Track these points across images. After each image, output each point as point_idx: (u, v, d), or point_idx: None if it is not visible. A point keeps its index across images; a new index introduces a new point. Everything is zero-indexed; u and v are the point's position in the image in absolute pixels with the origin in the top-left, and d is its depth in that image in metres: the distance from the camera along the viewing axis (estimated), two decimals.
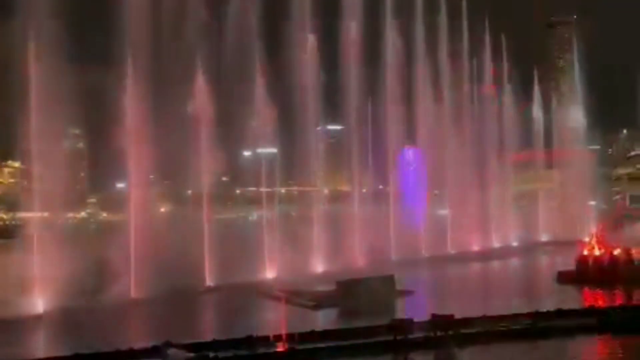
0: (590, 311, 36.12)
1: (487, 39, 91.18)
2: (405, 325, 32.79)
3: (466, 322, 33.80)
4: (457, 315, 33.53)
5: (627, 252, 52.44)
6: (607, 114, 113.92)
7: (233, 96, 59.88)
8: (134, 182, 52.48)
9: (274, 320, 41.20)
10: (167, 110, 52.80)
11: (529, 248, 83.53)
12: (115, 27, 49.97)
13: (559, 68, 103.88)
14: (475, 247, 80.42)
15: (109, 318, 41.22)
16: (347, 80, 70.39)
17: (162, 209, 74.20)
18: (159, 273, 47.00)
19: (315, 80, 66.09)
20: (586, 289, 49.58)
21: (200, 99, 55.97)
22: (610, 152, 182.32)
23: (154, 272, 47.36)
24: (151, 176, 55.44)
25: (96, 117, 52.51)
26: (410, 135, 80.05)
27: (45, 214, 47.80)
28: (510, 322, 34.54)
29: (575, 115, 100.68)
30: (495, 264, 70.81)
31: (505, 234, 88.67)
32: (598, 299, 45.41)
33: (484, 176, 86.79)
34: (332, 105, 71.00)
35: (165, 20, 53.90)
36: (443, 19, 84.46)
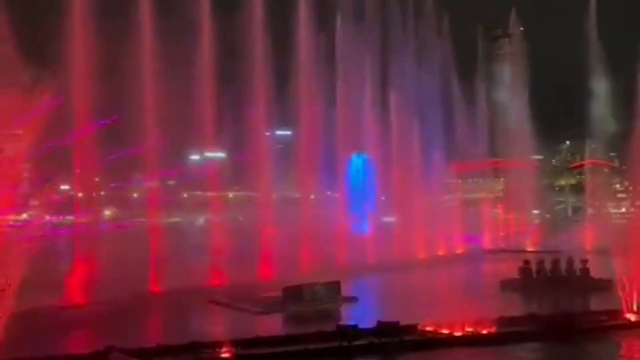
0: (531, 318, 36.90)
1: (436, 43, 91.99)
2: (351, 331, 32.89)
3: (411, 329, 34.08)
4: (402, 323, 33.76)
5: (569, 261, 53.56)
6: (552, 126, 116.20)
7: (181, 98, 59.15)
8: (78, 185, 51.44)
9: (219, 326, 40.84)
10: (115, 109, 51.74)
11: (474, 256, 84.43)
12: None
13: (506, 81, 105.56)
14: (421, 255, 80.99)
15: (51, 324, 40.08)
16: (298, 85, 70.34)
17: (107, 213, 73.01)
18: (103, 278, 46.14)
19: (266, 85, 65.75)
20: (529, 296, 50.41)
21: (148, 99, 55.05)
22: (553, 163, 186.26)
23: (98, 277, 46.48)
24: (96, 179, 54.43)
25: None
26: (359, 141, 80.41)
27: None
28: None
29: (521, 126, 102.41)
30: (440, 272, 71.36)
31: (451, 242, 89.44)
32: (540, 306, 46.11)
33: (430, 184, 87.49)
34: (282, 110, 70.81)
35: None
36: (396, 22, 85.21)
